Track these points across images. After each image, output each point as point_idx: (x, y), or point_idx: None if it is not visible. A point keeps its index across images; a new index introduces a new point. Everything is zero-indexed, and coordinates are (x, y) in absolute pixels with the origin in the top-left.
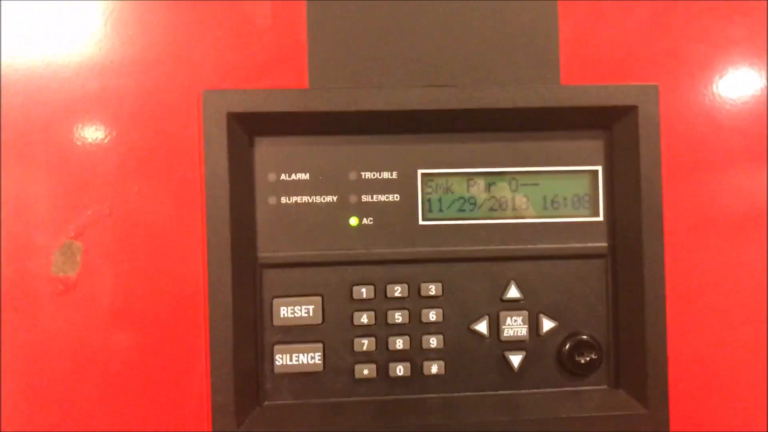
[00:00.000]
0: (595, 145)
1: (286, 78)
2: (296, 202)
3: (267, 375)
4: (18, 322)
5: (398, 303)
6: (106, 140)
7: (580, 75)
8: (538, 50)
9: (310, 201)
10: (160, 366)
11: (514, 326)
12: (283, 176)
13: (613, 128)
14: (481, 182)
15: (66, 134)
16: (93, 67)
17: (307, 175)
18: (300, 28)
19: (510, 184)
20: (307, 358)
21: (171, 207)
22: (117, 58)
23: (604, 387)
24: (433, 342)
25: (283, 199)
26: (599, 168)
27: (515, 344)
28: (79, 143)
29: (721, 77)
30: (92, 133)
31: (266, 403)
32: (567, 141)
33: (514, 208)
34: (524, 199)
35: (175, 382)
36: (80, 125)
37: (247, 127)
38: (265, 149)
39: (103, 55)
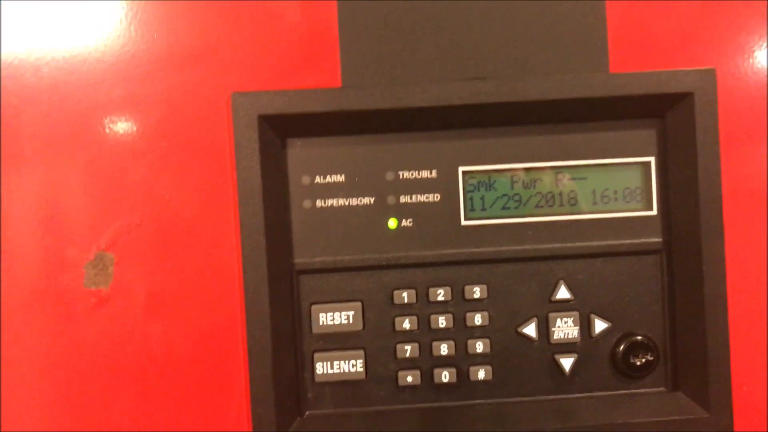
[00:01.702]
0: (647, 134)
1: (318, 77)
2: (332, 205)
3: (308, 384)
4: (52, 338)
5: (441, 307)
6: (134, 148)
7: (631, 62)
8: (584, 37)
9: (347, 203)
10: (198, 378)
11: (565, 328)
12: (317, 179)
13: (666, 116)
14: (525, 178)
15: (93, 143)
16: (118, 72)
17: (343, 176)
18: (331, 23)
19: (556, 178)
20: (349, 365)
21: (204, 214)
22: (143, 63)
23: (662, 389)
24: (480, 346)
25: (319, 203)
26: (652, 159)
27: (566, 347)
28: (106, 152)
29: None
30: (120, 141)
31: (308, 413)
32: (617, 131)
33: (561, 204)
34: (572, 194)
35: (214, 394)
36: (107, 133)
37: (279, 130)
38: (299, 151)
39: (128, 60)
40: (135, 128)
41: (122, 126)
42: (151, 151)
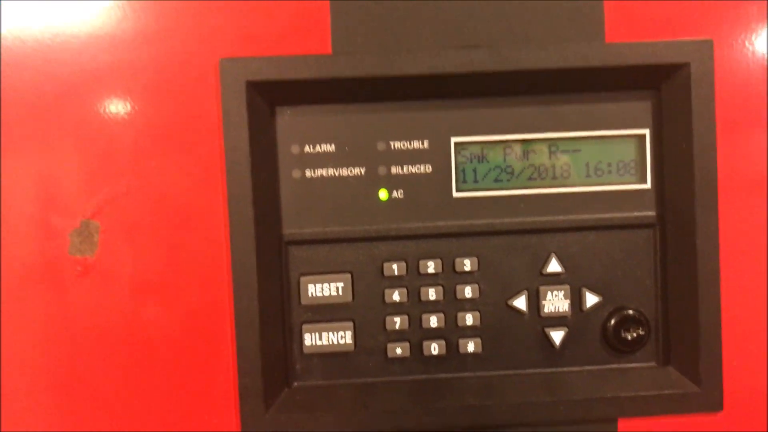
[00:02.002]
0: (642, 106)
1: (308, 43)
2: (322, 175)
3: (296, 356)
4: (37, 306)
5: (431, 279)
6: (120, 115)
7: (626, 32)
8: (580, 6)
9: (337, 174)
10: (185, 350)
11: (555, 301)
12: (307, 148)
13: (661, 88)
14: (518, 149)
15: (78, 110)
16: (104, 37)
17: (333, 146)
18: None
19: (550, 150)
20: (337, 337)
21: (191, 183)
22: (129, 27)
23: (653, 364)
24: (469, 319)
25: (308, 173)
26: (647, 131)
27: (556, 320)
28: (92, 119)
29: None
30: (106, 109)
31: (295, 384)
32: (611, 103)
33: (554, 177)
34: (565, 167)
35: (201, 366)
36: (93, 100)
37: (268, 97)
38: (288, 119)
39: (114, 25)
40: (122, 95)
41: (109, 93)
42: (138, 119)
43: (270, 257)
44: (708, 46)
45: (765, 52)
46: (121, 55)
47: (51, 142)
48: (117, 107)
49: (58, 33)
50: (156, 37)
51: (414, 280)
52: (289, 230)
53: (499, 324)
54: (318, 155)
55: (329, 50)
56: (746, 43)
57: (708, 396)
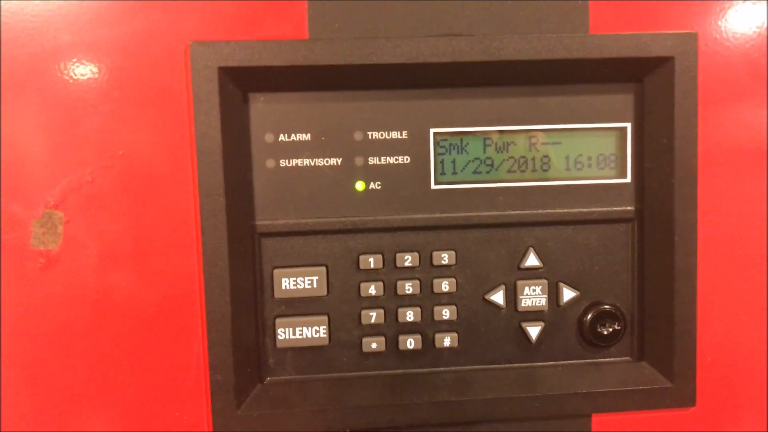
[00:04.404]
0: (624, 99)
1: (284, 27)
2: (296, 165)
3: (269, 350)
4: None
5: (408, 273)
6: (84, 99)
7: (611, 23)
8: None
9: (312, 164)
10: (154, 345)
11: (533, 296)
12: (281, 137)
13: (644, 81)
14: (498, 141)
15: (39, 93)
16: (66, 16)
17: (308, 135)
18: None
19: (530, 142)
20: (312, 331)
21: (161, 172)
22: (93, 6)
23: (628, 359)
24: (446, 313)
25: (282, 162)
26: (628, 125)
27: (533, 315)
28: (54, 103)
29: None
30: (68, 92)
31: (268, 379)
32: (593, 95)
33: (534, 169)
34: (545, 160)
35: (171, 361)
36: (55, 83)
37: (241, 83)
38: (262, 107)
39: (77, 3)
40: (85, 77)
41: (71, 75)
42: (103, 103)
43: (242, 249)
44: (692, 39)
45: (747, 45)
46: (85, 36)
47: (12, 127)
48: (81, 89)
49: (18, 11)
50: (123, 17)
51: (390, 274)
52: (262, 221)
53: (475, 318)
54: (293, 144)
55: (306, 35)
56: (730, 36)
57: (681, 391)
